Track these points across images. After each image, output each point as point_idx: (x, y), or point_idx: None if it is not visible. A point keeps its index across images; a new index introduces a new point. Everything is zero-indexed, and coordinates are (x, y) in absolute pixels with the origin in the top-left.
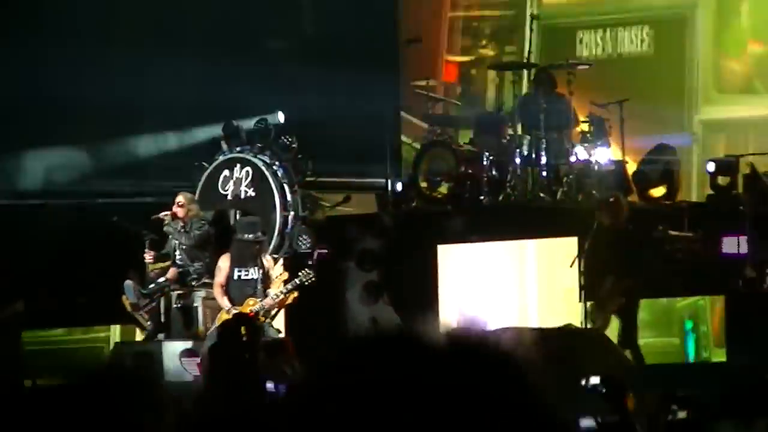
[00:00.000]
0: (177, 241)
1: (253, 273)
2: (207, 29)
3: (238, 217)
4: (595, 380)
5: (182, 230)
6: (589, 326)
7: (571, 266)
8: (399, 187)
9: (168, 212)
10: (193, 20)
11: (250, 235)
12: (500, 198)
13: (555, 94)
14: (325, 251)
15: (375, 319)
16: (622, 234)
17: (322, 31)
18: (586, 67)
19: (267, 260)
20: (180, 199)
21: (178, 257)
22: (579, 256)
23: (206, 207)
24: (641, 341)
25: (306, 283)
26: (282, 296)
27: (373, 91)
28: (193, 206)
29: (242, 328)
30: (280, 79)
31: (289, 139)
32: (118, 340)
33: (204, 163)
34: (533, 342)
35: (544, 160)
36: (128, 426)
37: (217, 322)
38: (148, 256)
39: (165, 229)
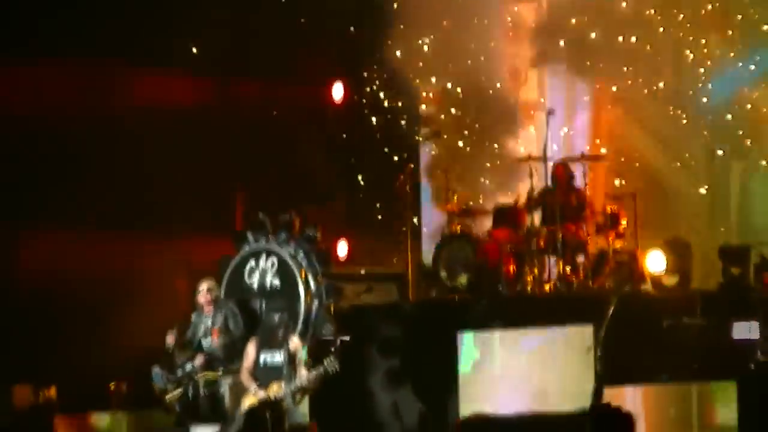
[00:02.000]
0: (203, 328)
1: (279, 357)
2: None
3: (264, 303)
4: None
5: (211, 317)
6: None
7: (587, 353)
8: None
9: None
10: None
11: (277, 315)
12: (518, 287)
13: (572, 187)
14: (347, 338)
15: (397, 405)
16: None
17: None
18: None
19: (293, 342)
20: (209, 286)
21: (205, 344)
22: (595, 343)
23: (233, 297)
24: None
25: (331, 372)
26: (307, 382)
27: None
28: (218, 293)
29: (267, 413)
30: None
31: (313, 230)
32: None
33: (229, 255)
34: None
35: (560, 250)
36: None
37: (244, 407)
38: (170, 338)
39: (194, 317)
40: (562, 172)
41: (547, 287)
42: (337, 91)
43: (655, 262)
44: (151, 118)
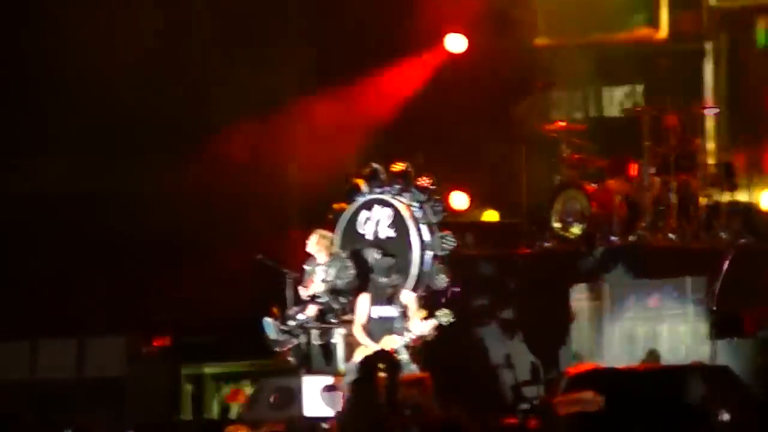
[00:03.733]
0: (322, 279)
1: (392, 311)
2: None
3: (376, 256)
4: (726, 416)
5: (326, 268)
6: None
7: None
8: None
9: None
10: None
11: (386, 279)
12: (631, 238)
13: (685, 137)
14: (459, 289)
15: (509, 356)
16: None
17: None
18: (716, 110)
19: (406, 297)
20: (322, 234)
21: (319, 295)
22: (709, 295)
23: (346, 246)
24: None
25: (444, 324)
26: (422, 334)
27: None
28: (333, 246)
29: (382, 365)
30: None
31: (428, 180)
32: None
33: (343, 205)
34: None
35: (674, 200)
36: None
37: (357, 358)
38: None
39: (307, 267)
40: (675, 123)
41: (660, 238)
42: (456, 42)
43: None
44: None
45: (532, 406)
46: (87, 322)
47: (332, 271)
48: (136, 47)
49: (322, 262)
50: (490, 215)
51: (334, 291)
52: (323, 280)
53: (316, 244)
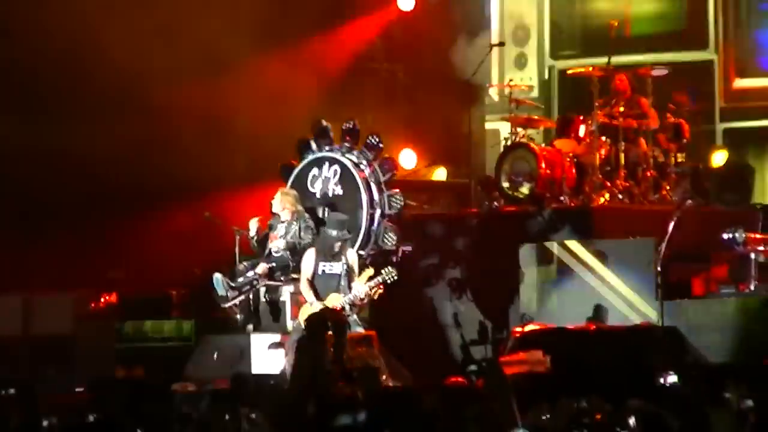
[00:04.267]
0: (281, 236)
1: (338, 268)
2: None
3: (326, 213)
4: (672, 378)
5: (287, 225)
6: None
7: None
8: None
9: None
10: None
11: (337, 232)
12: (580, 199)
13: (634, 98)
14: (410, 248)
15: (457, 315)
16: None
17: None
18: (665, 71)
19: (350, 255)
20: (279, 196)
21: (275, 251)
22: (656, 255)
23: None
24: None
25: (389, 281)
26: (367, 292)
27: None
28: (298, 204)
29: (328, 322)
30: None
31: (376, 139)
32: None
33: (293, 162)
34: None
35: (622, 161)
36: None
37: (302, 316)
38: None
39: (271, 222)
40: (625, 83)
41: (608, 198)
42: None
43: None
44: None
45: (479, 366)
46: (34, 280)
47: (294, 229)
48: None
49: (284, 220)
50: (439, 174)
51: (293, 249)
52: (284, 237)
53: (279, 202)
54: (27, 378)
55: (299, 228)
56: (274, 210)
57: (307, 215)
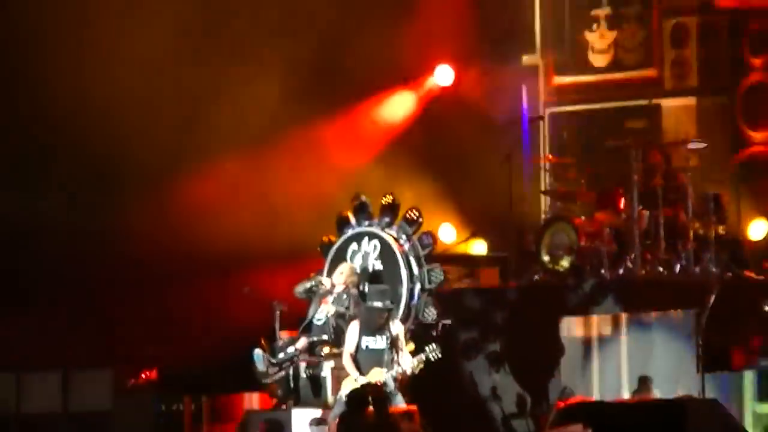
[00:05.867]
0: (333, 308)
1: (381, 342)
2: None
3: (367, 288)
4: None
5: (336, 297)
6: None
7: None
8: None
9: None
10: None
11: (380, 303)
12: (620, 271)
13: (671, 173)
14: (449, 323)
15: (495, 388)
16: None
17: None
18: (703, 145)
19: (396, 327)
20: (346, 268)
21: (318, 318)
22: (697, 328)
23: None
24: None
25: (433, 359)
26: (412, 366)
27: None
28: (354, 279)
29: (370, 397)
30: None
31: (416, 213)
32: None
33: (331, 237)
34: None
35: (662, 234)
36: None
37: (344, 391)
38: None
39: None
40: (659, 157)
41: (648, 270)
42: (445, 75)
43: (757, 231)
44: None
45: None
46: (72, 356)
47: (345, 298)
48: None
49: (337, 291)
50: (479, 248)
51: (341, 317)
52: (335, 304)
53: (347, 275)
54: None
55: (350, 298)
56: (335, 280)
57: (355, 292)
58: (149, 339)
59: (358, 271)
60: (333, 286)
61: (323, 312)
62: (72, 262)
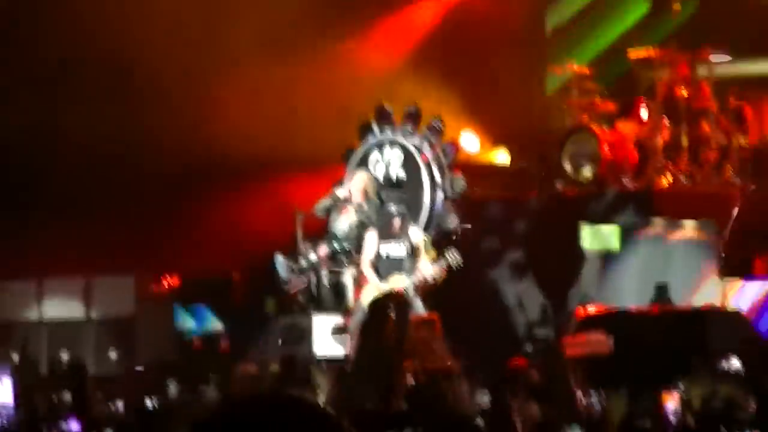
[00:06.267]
0: (354, 217)
1: (400, 249)
2: None
3: (385, 193)
4: (736, 363)
5: (360, 205)
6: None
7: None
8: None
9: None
10: None
11: (393, 207)
12: (642, 181)
13: (696, 81)
14: (469, 227)
15: (520, 297)
16: None
17: None
18: (727, 58)
19: (414, 234)
20: (362, 177)
21: (342, 229)
22: (720, 239)
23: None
24: None
25: (453, 265)
26: (432, 273)
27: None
28: (372, 186)
29: (390, 304)
30: None
31: (439, 122)
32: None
33: (355, 145)
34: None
35: (685, 144)
36: None
37: (365, 298)
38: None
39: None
40: (684, 68)
41: (670, 181)
42: None
43: None
44: None
45: (540, 348)
46: (95, 262)
47: (367, 211)
48: None
49: (356, 201)
50: (501, 157)
51: (362, 226)
52: (356, 215)
53: (363, 185)
54: (83, 358)
55: (371, 205)
56: (351, 188)
57: (378, 203)
58: (171, 246)
59: (381, 179)
60: (350, 194)
61: (345, 222)
62: (93, 170)
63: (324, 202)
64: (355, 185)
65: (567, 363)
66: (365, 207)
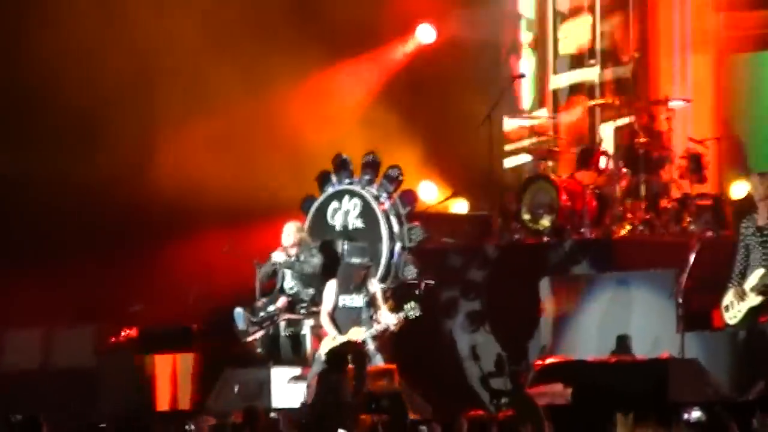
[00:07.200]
0: (289, 270)
1: (359, 301)
2: None
3: (346, 245)
4: (696, 414)
5: (295, 259)
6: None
7: (669, 298)
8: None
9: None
10: None
11: (358, 260)
12: (600, 231)
13: (654, 129)
14: (432, 282)
15: (474, 347)
16: None
17: None
18: (685, 104)
19: (374, 285)
20: (291, 228)
21: (288, 286)
22: (677, 287)
23: (315, 237)
24: None
25: (411, 318)
26: (392, 323)
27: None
28: (303, 234)
29: (348, 356)
30: None
31: (397, 171)
32: None
33: (313, 195)
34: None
35: (643, 193)
36: None
37: (323, 349)
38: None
39: (274, 257)
40: (644, 118)
41: (629, 230)
42: (427, 33)
43: (738, 190)
44: None
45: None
46: (54, 314)
47: (301, 258)
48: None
49: (293, 254)
50: (460, 207)
51: (302, 277)
52: (292, 269)
53: (294, 233)
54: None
55: (304, 256)
56: (284, 242)
57: (311, 243)
58: (131, 297)
59: (339, 228)
60: (287, 252)
61: (289, 279)
62: (54, 219)
63: (265, 268)
64: (286, 241)
65: (539, 411)
66: (302, 258)
